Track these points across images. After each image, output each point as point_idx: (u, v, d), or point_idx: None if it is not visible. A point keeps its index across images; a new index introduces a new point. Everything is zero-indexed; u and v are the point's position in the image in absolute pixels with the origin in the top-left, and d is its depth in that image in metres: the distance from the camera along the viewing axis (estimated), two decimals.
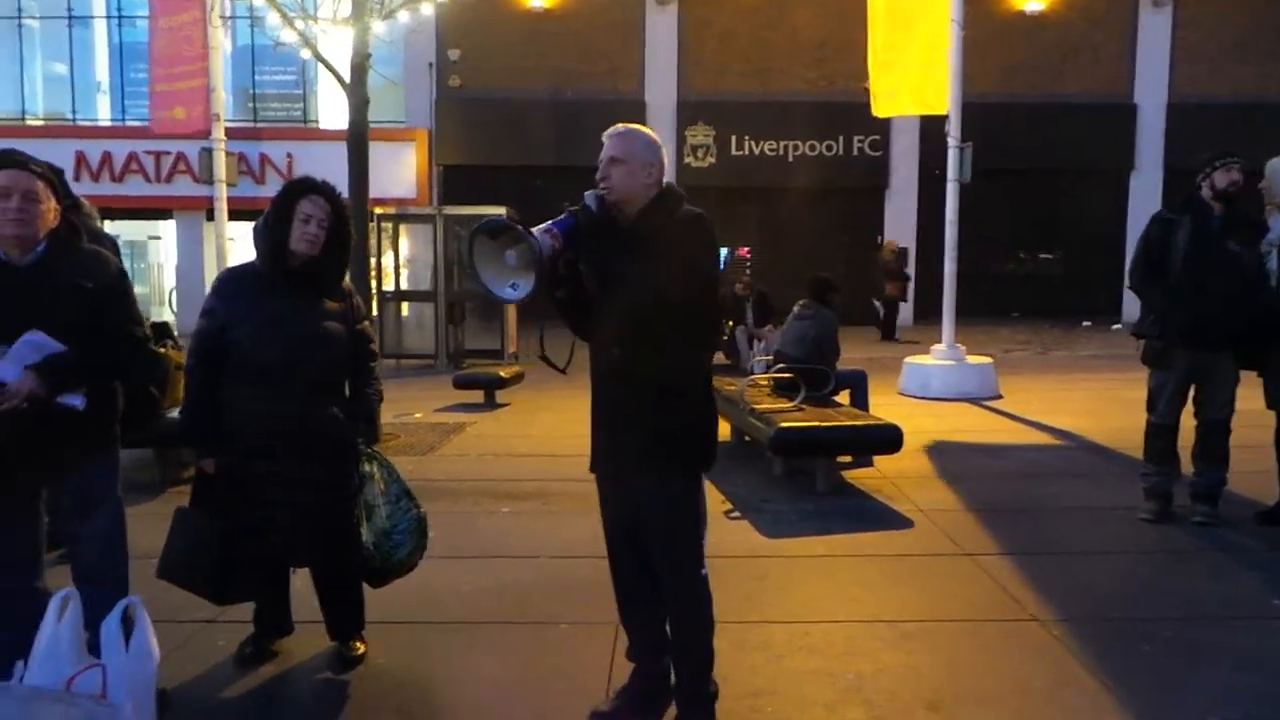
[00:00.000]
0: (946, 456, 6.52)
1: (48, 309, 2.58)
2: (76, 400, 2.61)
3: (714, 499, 5.13)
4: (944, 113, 9.62)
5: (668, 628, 2.71)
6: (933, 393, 9.24)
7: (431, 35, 16.73)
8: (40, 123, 18.48)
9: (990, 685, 3.05)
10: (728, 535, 4.64)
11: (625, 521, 2.72)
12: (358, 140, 7.23)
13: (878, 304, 15.56)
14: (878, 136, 17.64)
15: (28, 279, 2.59)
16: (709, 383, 2.73)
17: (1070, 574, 4.10)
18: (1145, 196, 17.23)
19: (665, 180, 2.65)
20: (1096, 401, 8.84)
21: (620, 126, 2.68)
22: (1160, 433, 4.85)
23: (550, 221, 2.49)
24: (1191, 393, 4.80)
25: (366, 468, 3.18)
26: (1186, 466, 4.89)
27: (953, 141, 9.56)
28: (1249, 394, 4.85)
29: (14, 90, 18.58)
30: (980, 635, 3.47)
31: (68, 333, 2.58)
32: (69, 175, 4.00)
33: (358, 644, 3.24)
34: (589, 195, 2.58)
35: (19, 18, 18.31)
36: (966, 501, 5.34)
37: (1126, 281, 5.08)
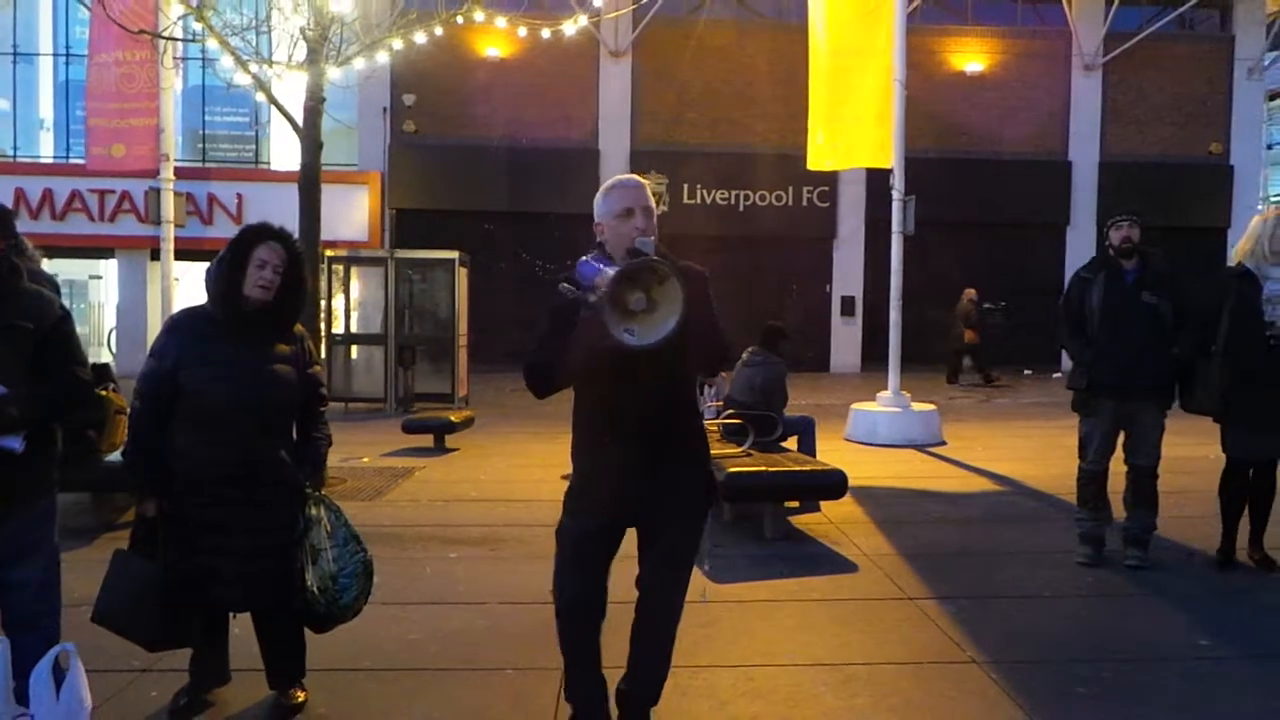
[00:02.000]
0: (891, 502, 6.63)
1: None
2: (14, 443, 2.56)
3: None
4: (888, 167, 9.95)
5: (639, 645, 2.75)
6: (879, 439, 9.41)
7: (386, 80, 16.83)
8: None
9: None
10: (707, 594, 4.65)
11: (601, 582, 2.71)
12: (310, 183, 7.24)
13: (960, 349, 15.94)
14: (826, 188, 18.09)
15: None
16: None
17: (1009, 617, 4.20)
18: (1080, 250, 17.88)
19: None
20: (1037, 448, 9.08)
21: (629, 178, 2.71)
22: (1091, 478, 5.02)
23: (596, 275, 2.39)
24: (1122, 439, 4.99)
25: (313, 511, 3.15)
26: (1120, 511, 5.05)
27: (897, 195, 9.88)
28: (1177, 440, 5.05)
29: None
30: (922, 678, 3.52)
31: (7, 374, 2.54)
32: None
33: (298, 693, 3.18)
34: (644, 243, 2.46)
35: None
36: (910, 546, 5.43)
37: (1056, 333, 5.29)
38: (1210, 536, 5.06)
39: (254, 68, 7.57)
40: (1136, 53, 17.98)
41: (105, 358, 17.89)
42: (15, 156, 18.14)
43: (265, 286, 2.99)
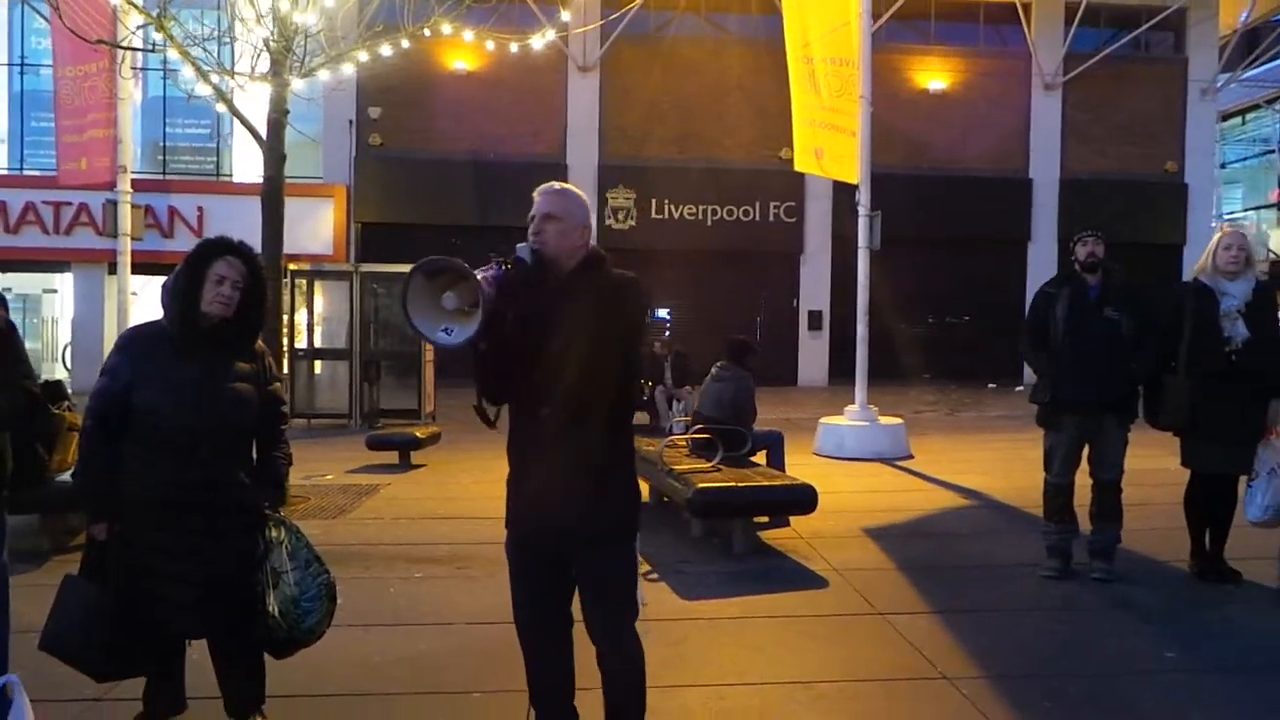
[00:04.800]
0: (860, 516, 6.63)
1: None
2: None
3: None
4: (855, 182, 10.03)
5: (605, 686, 2.64)
6: (847, 453, 9.44)
7: (352, 93, 16.70)
8: None
9: None
10: (648, 599, 4.60)
11: (554, 597, 2.64)
12: (273, 196, 7.12)
13: None
14: (793, 203, 18.24)
15: None
16: (632, 444, 2.74)
17: (979, 632, 4.20)
18: (1041, 266, 18.18)
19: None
20: (1002, 461, 9.16)
21: (555, 185, 2.67)
22: (1057, 491, 5.05)
23: (481, 270, 2.40)
24: (1086, 452, 5.03)
25: (273, 533, 3.06)
26: (1085, 524, 5.09)
27: (863, 210, 9.96)
28: (1141, 453, 5.11)
29: None
30: (893, 695, 3.51)
31: None
32: None
33: None
34: (522, 248, 2.51)
35: None
36: (879, 560, 5.43)
37: (1020, 347, 5.35)
38: (1176, 548, 5.12)
39: (215, 79, 7.45)
40: (1095, 73, 18.38)
41: (60, 374, 17.46)
42: None
43: (224, 303, 2.90)
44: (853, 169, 10.02)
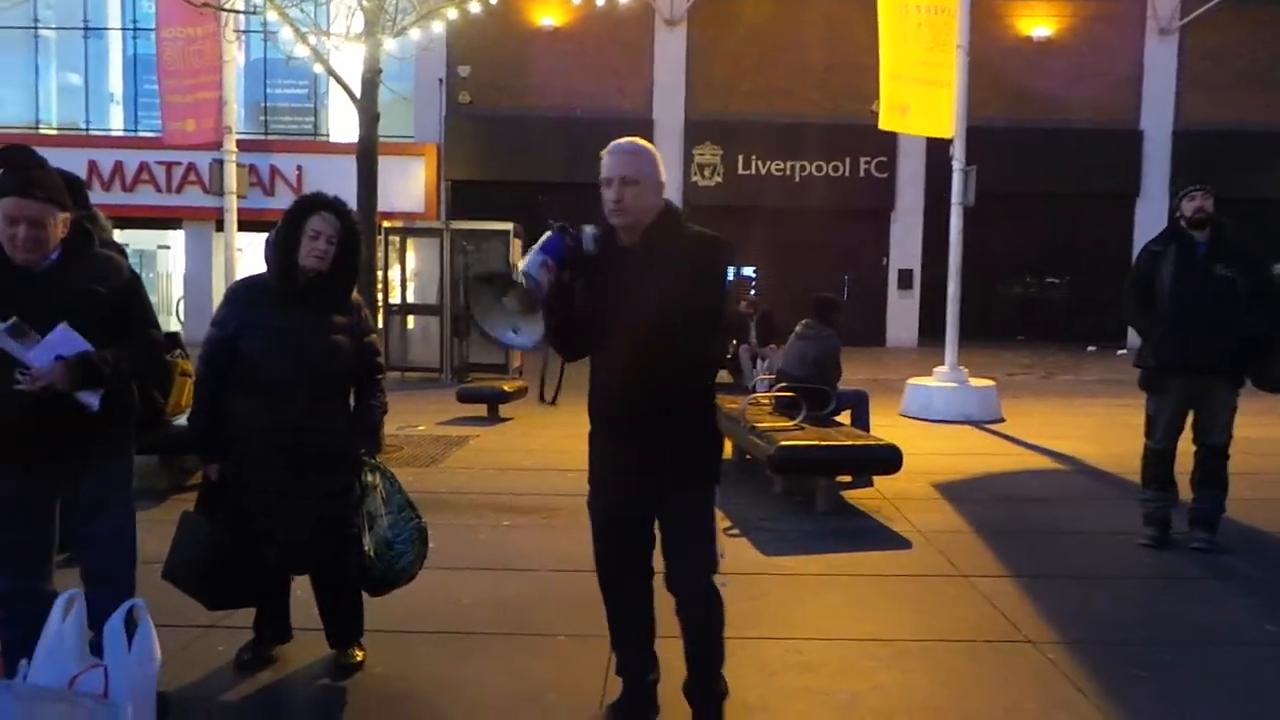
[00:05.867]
0: (946, 478, 6.53)
1: (63, 312, 2.61)
2: (93, 400, 2.65)
3: None
4: (949, 136, 9.69)
5: (683, 633, 2.70)
6: (934, 414, 9.25)
7: (442, 52, 16.88)
8: (54, 131, 18.65)
9: (983, 706, 3.07)
10: (726, 552, 4.65)
11: (635, 544, 2.70)
12: (367, 154, 7.31)
13: None
14: (884, 159, 17.72)
15: (42, 284, 2.64)
16: (714, 396, 2.75)
17: (1067, 598, 4.11)
18: (1151, 222, 17.23)
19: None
20: (1099, 426, 8.85)
21: (626, 143, 2.57)
22: (1158, 458, 4.86)
23: (538, 247, 2.37)
24: (1191, 418, 4.82)
25: (369, 478, 3.22)
26: (1186, 492, 4.90)
27: (957, 165, 9.63)
28: (1249, 421, 4.87)
29: (29, 99, 18.77)
30: (975, 656, 3.48)
31: (85, 335, 2.63)
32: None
33: (356, 652, 3.27)
34: (589, 236, 2.47)
35: (35, 28, 18.52)
36: (965, 523, 5.35)
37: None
38: None
39: (312, 40, 7.65)
40: (1215, 16, 17.15)
41: (174, 326, 18.44)
42: (88, 129, 18.68)
43: (319, 257, 3.03)
44: (946, 123, 9.67)
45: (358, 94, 7.33)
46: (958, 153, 9.61)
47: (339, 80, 7.49)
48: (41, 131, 18.38)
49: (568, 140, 17.27)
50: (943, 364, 9.76)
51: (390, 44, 7.61)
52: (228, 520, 3.05)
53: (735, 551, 4.73)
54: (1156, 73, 17.87)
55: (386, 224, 12.58)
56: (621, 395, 2.55)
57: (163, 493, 5.63)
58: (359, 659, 3.25)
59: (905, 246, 18.12)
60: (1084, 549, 4.88)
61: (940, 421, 9.07)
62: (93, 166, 17.13)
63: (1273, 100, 17.79)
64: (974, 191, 9.69)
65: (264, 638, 3.28)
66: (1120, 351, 16.13)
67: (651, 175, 2.53)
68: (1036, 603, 4.01)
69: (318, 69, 7.95)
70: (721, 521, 5.16)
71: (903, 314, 18.21)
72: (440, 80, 17.70)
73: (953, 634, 3.69)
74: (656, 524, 2.70)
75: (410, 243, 13.01)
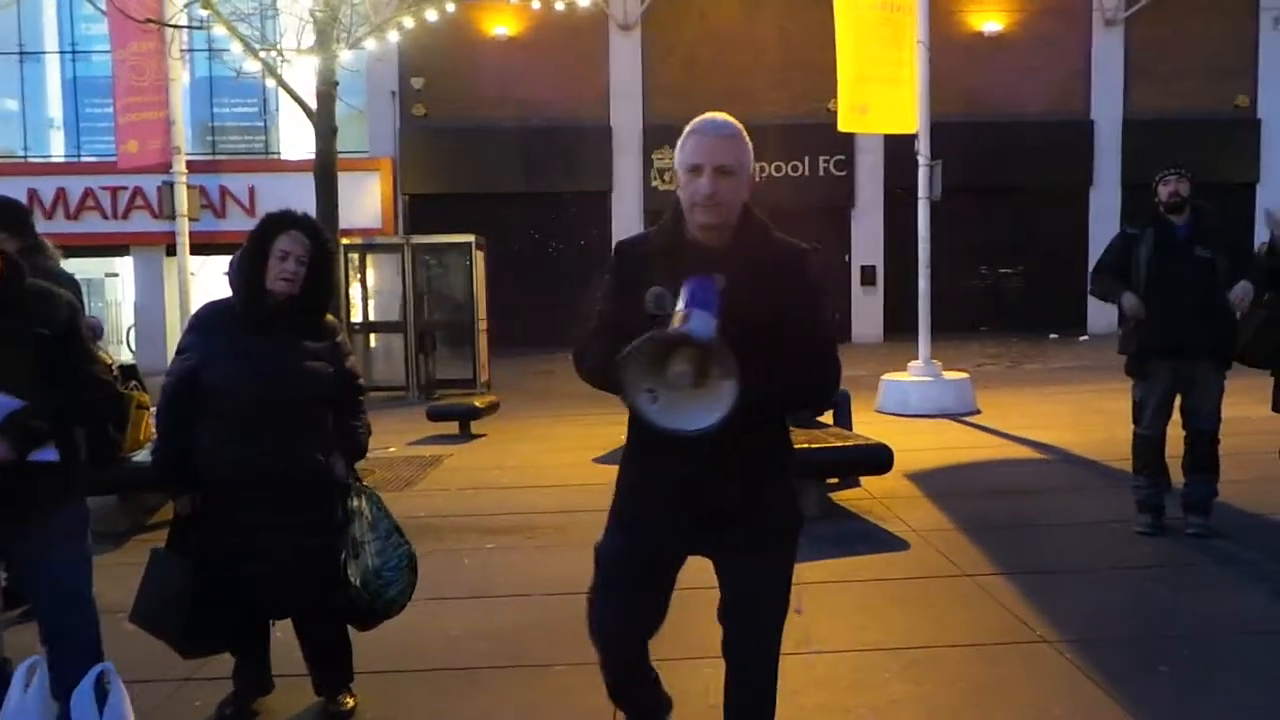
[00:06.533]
0: (932, 474, 6.46)
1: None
2: (50, 454, 2.44)
3: None
4: (913, 131, 9.69)
5: (726, 709, 2.30)
6: (911, 409, 9.22)
7: (394, 64, 16.60)
8: None
9: (1009, 714, 2.95)
10: (803, 605, 4.50)
11: (654, 595, 2.22)
12: (326, 170, 7.10)
13: None
14: (842, 157, 17.77)
15: None
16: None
17: (1073, 592, 4.03)
18: (1104, 211, 17.52)
19: None
20: (1076, 413, 8.87)
21: (722, 122, 2.08)
22: (1147, 444, 4.82)
23: (692, 302, 1.82)
24: (1178, 402, 4.79)
25: (354, 503, 3.02)
26: (1177, 477, 4.85)
27: (923, 160, 9.64)
28: (1237, 400, 4.85)
29: None
30: (991, 660, 3.37)
31: (19, 382, 2.40)
32: None
33: (347, 698, 3.05)
34: (701, 324, 1.79)
35: None
36: (959, 520, 5.27)
37: (1089, 288, 5.08)
38: (1274, 500, 4.87)
39: (262, 54, 7.41)
40: (1159, 6, 17.48)
41: (125, 355, 17.89)
42: (26, 157, 18.07)
43: (288, 279, 2.83)
44: (905, 119, 9.68)
45: (313, 108, 7.11)
46: (923, 148, 9.61)
47: (293, 95, 7.28)
48: None
49: (525, 150, 17.09)
50: (914, 358, 9.74)
51: (345, 56, 7.40)
52: (201, 559, 2.83)
53: None
54: (1104, 64, 18.17)
55: (345, 241, 12.29)
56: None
57: (122, 535, 5.32)
58: (350, 706, 3.04)
59: (868, 243, 18.19)
60: (1081, 540, 4.82)
61: (918, 416, 9.03)
62: (33, 195, 16.53)
63: (1217, 86, 18.19)
64: (940, 186, 9.70)
65: (245, 689, 3.05)
66: (1082, 338, 16.33)
67: (748, 166, 2.09)
68: (1044, 599, 3.91)
69: (270, 84, 7.71)
70: None
71: (867, 310, 18.27)
72: (393, 93, 17.40)
73: (964, 637, 3.58)
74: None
75: (370, 259, 12.72)
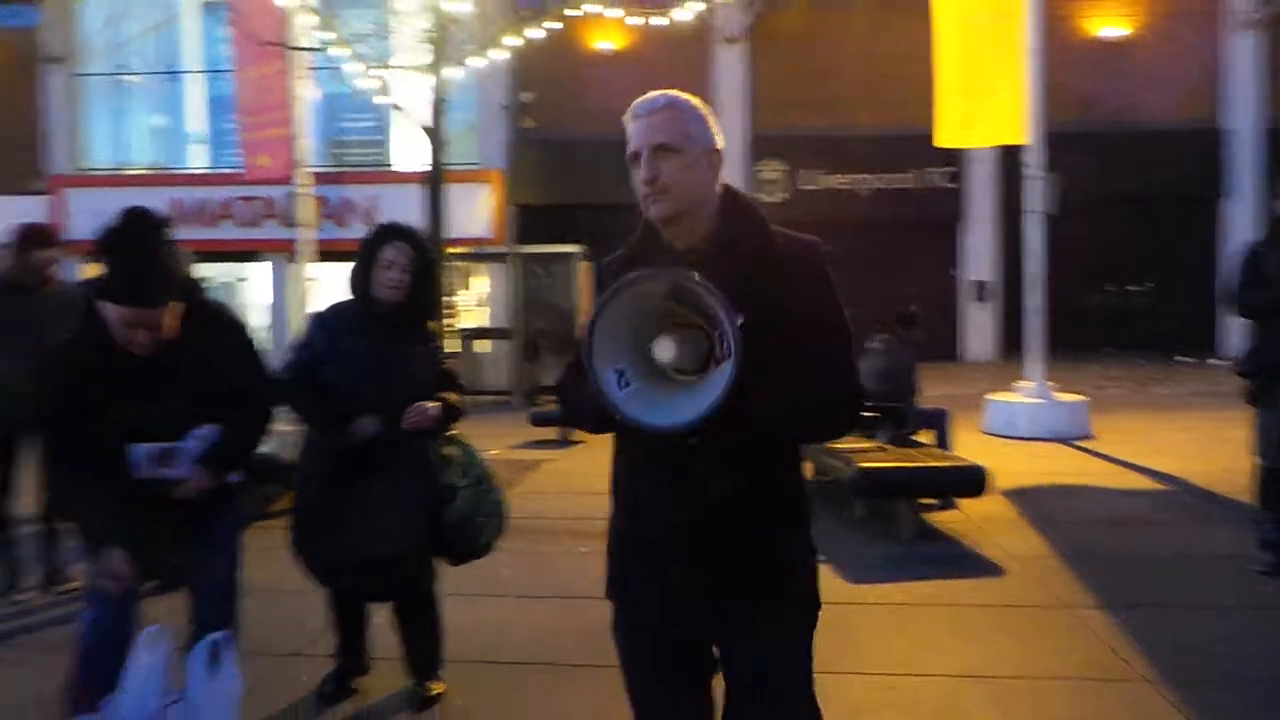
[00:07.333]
0: (1036, 499, 6.23)
1: (182, 388, 2.49)
2: (237, 475, 2.68)
3: None
4: (1022, 143, 9.38)
5: None
6: (1019, 431, 8.89)
7: (504, 79, 17.13)
8: (141, 171, 19.49)
9: None
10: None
11: (691, 687, 1.83)
12: (435, 182, 7.41)
13: None
14: (954, 169, 17.31)
15: (153, 362, 2.46)
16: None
17: (1181, 630, 3.84)
18: (1239, 223, 16.49)
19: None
20: (1201, 442, 8.39)
21: (655, 95, 1.77)
22: (1273, 477, 4.54)
23: (723, 309, 1.45)
24: None
25: (447, 450, 3.20)
26: None
27: (1034, 172, 9.31)
28: None
29: (115, 142, 19.69)
30: (1085, 695, 3.25)
31: (205, 407, 2.53)
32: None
33: (435, 684, 3.22)
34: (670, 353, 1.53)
35: (119, 74, 19.48)
36: (1060, 548, 5.07)
37: (1237, 308, 4.78)
38: None
39: (377, 72, 7.80)
40: None
41: None
42: (172, 169, 19.48)
43: (393, 286, 3.02)
44: (1014, 129, 9.36)
45: (426, 124, 7.43)
46: (1033, 160, 9.29)
47: (406, 111, 7.61)
48: (126, 172, 19.22)
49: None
50: (1024, 378, 9.40)
51: (455, 72, 7.71)
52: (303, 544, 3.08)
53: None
54: (1237, 69, 17.12)
55: (456, 250, 12.74)
56: (682, 464, 1.67)
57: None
58: (437, 692, 3.20)
59: (980, 257, 17.64)
60: (1195, 576, 4.57)
61: (1025, 439, 8.71)
62: (177, 204, 17.80)
63: None
64: (1057, 199, 9.35)
65: (345, 668, 3.25)
66: (1210, 360, 15.37)
67: (701, 139, 1.73)
68: (1148, 635, 3.74)
69: (379, 100, 8.09)
70: None
71: (979, 327, 17.71)
72: (504, 106, 17.94)
73: (1056, 670, 3.47)
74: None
75: (478, 268, 13.15)
